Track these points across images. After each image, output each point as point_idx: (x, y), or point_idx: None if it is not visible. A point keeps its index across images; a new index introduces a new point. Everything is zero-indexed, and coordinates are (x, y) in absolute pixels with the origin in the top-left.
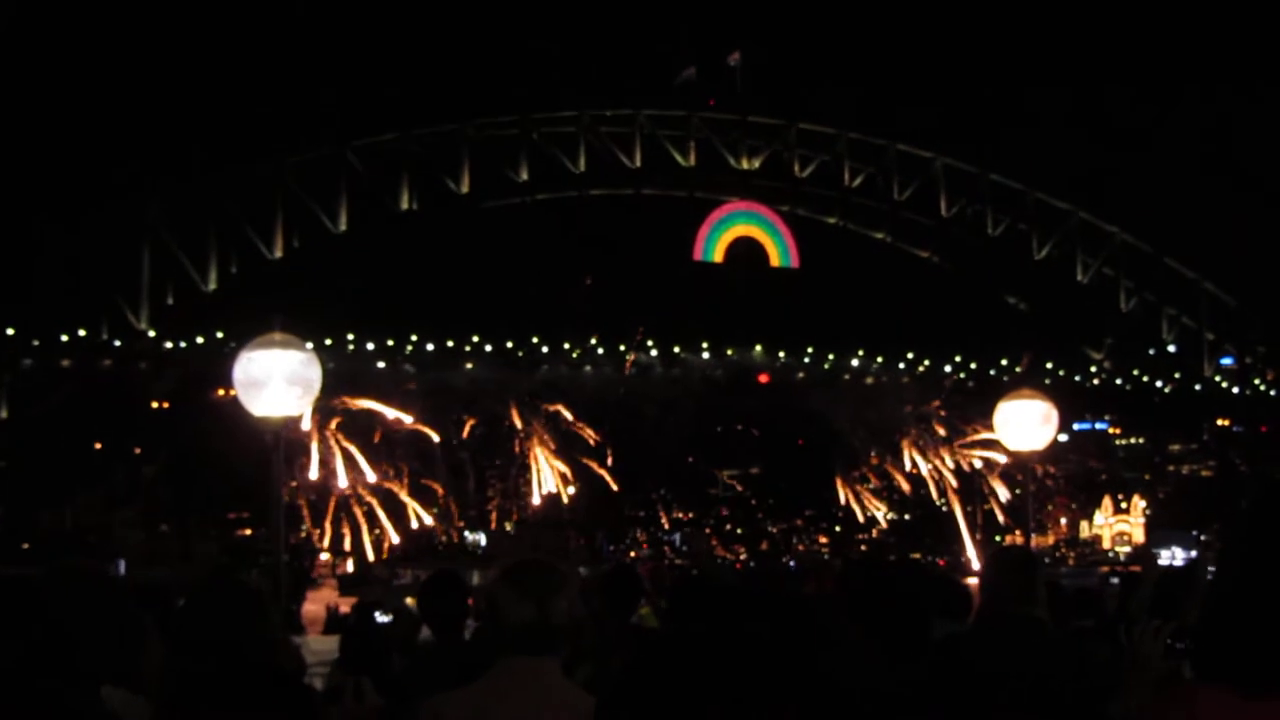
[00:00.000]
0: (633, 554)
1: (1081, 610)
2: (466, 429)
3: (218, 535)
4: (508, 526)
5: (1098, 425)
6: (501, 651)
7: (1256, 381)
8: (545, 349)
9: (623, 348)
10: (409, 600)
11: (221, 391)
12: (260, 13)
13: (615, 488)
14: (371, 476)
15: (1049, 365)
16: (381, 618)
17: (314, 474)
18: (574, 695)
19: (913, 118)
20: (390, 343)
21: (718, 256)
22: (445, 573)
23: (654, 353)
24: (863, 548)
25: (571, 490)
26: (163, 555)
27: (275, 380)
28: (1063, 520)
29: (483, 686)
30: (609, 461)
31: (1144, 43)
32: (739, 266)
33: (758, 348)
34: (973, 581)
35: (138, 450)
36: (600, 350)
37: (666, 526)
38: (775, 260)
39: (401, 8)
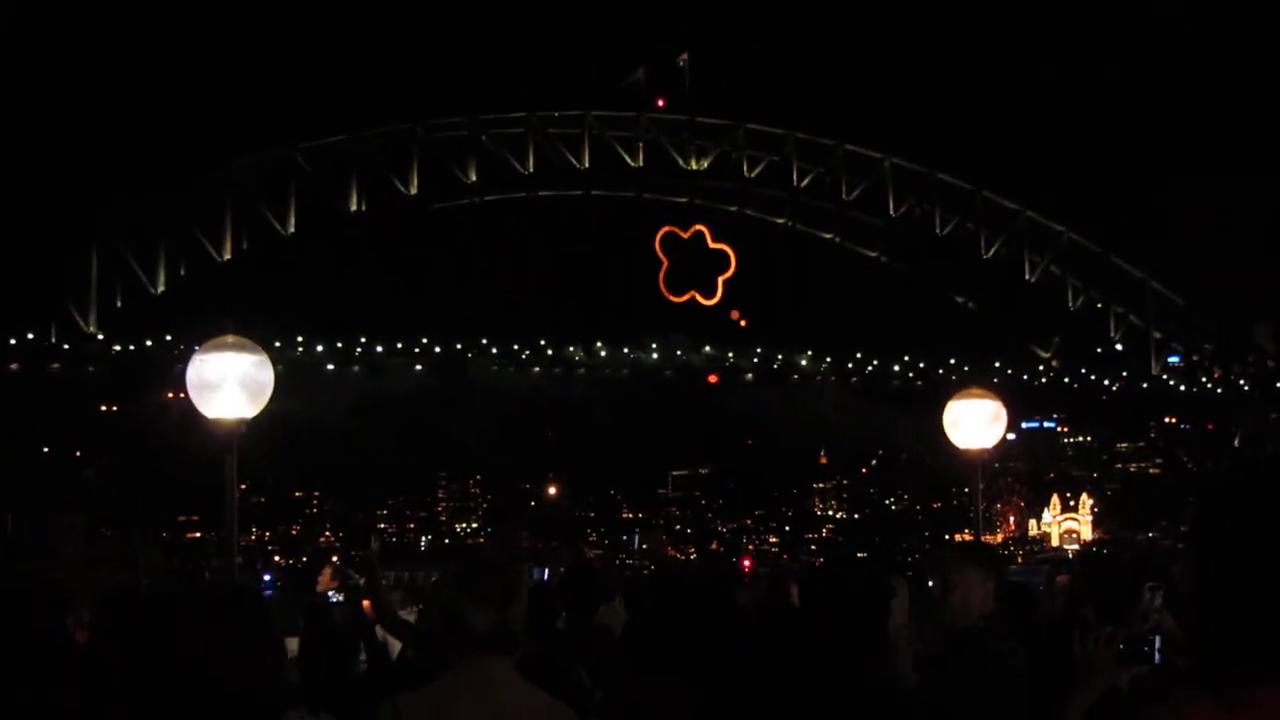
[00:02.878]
0: (590, 554)
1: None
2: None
3: (165, 540)
4: (458, 529)
5: (1046, 424)
6: (460, 652)
7: (1203, 379)
8: (494, 350)
9: (571, 349)
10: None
11: (171, 394)
12: (209, 16)
13: (566, 488)
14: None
15: (997, 364)
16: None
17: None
18: (531, 694)
19: (861, 117)
20: (339, 345)
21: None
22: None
23: (603, 353)
24: (813, 547)
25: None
26: (104, 561)
27: (228, 383)
28: (1011, 518)
29: (444, 686)
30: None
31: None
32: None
33: (706, 348)
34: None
35: (78, 454)
36: (550, 351)
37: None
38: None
39: (350, 10)
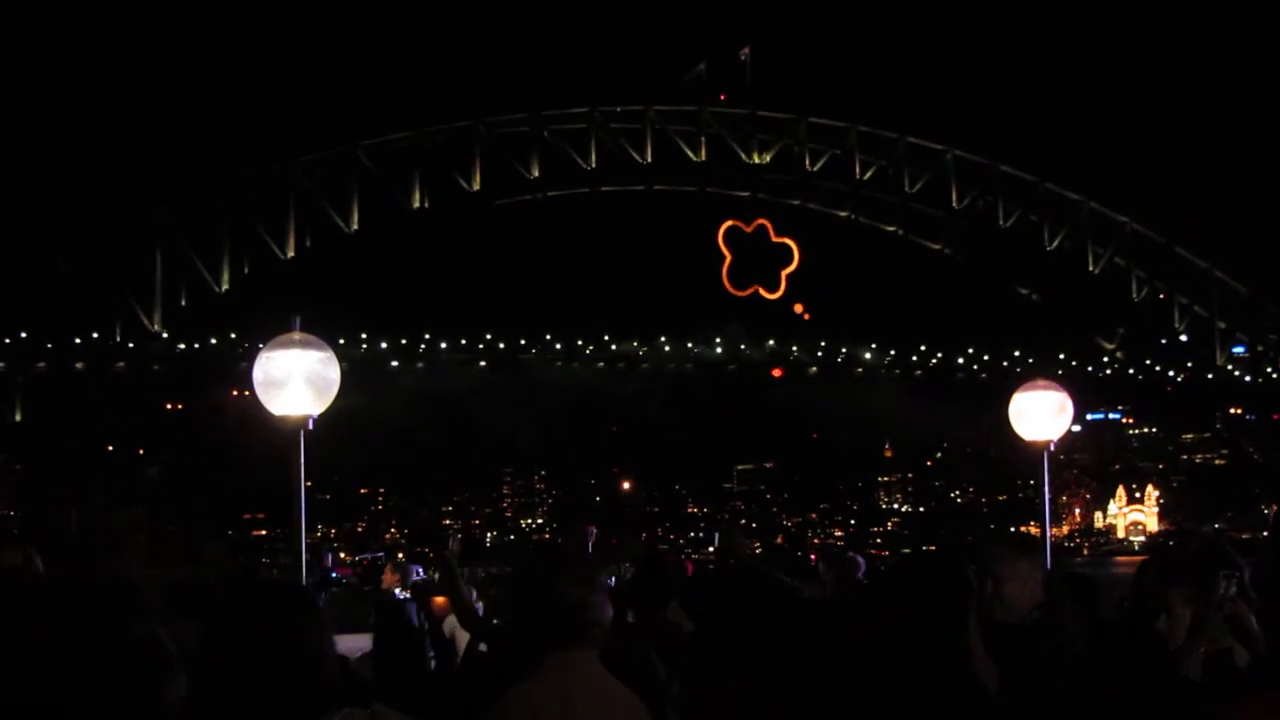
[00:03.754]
0: (660, 549)
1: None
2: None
3: (229, 536)
4: (523, 524)
5: (1111, 415)
6: (551, 643)
7: (1268, 369)
8: (557, 345)
9: (634, 344)
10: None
11: (235, 392)
12: (273, 14)
13: (632, 483)
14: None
15: (1061, 356)
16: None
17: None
18: (613, 683)
19: (923, 110)
20: (403, 342)
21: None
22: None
23: (666, 348)
24: (878, 540)
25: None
26: (166, 557)
27: (295, 380)
28: (1077, 510)
29: (552, 675)
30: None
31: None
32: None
33: (769, 342)
34: None
35: (140, 451)
36: (613, 346)
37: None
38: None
39: (413, 8)
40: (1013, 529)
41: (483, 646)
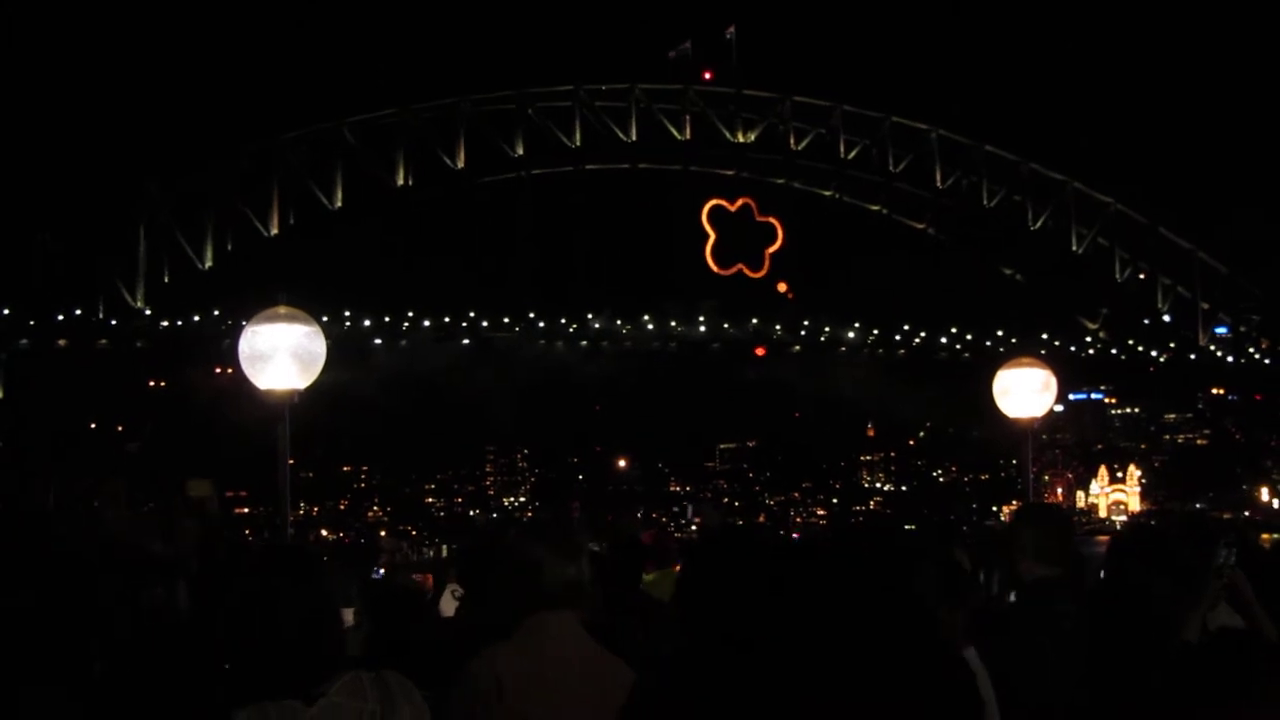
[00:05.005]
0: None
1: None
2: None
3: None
4: (506, 502)
5: (1093, 395)
6: (532, 607)
7: (1251, 350)
8: (541, 324)
9: (618, 322)
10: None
11: (218, 369)
12: None
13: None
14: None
15: (1044, 336)
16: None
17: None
18: (599, 650)
19: (908, 90)
20: (386, 319)
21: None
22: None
23: (650, 326)
24: (861, 519)
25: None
26: (144, 532)
27: (280, 354)
28: (1059, 490)
29: (528, 640)
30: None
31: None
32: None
33: (753, 320)
34: None
35: (120, 428)
36: (596, 325)
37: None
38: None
39: None
40: (995, 508)
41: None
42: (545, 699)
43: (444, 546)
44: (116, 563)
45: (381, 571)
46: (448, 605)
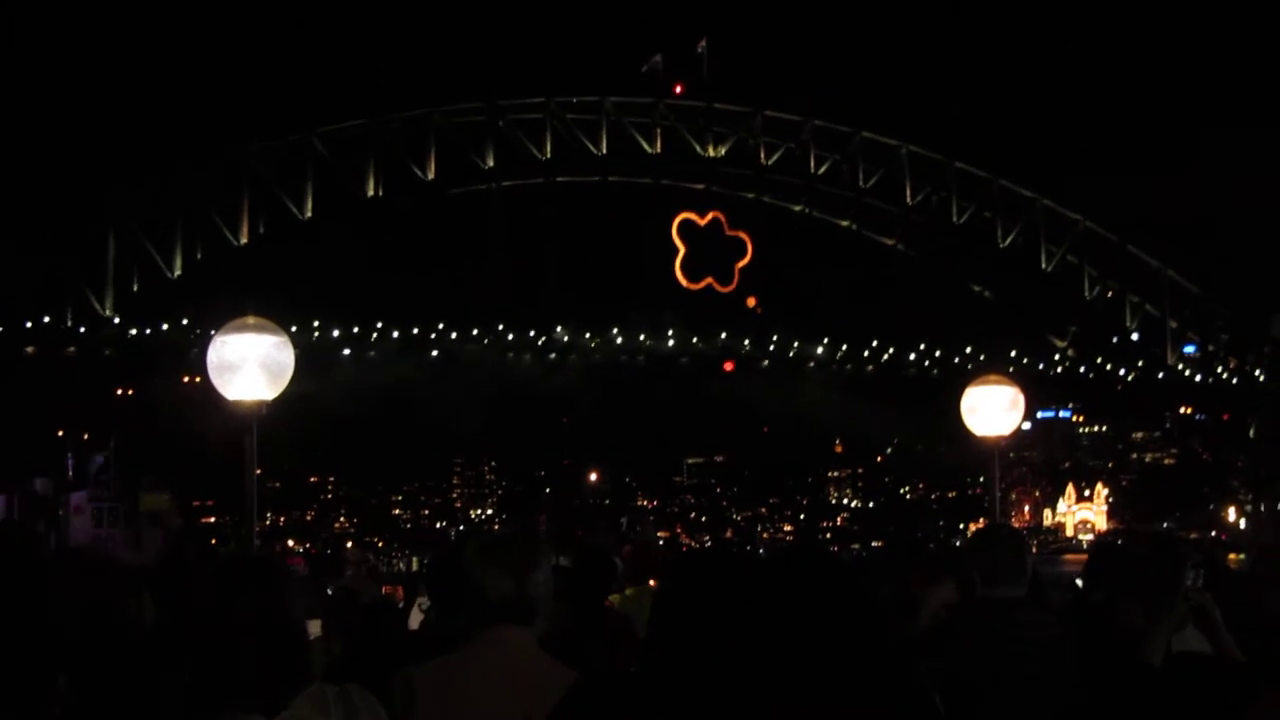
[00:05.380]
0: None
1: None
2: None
3: (181, 524)
4: (473, 515)
5: (1061, 413)
6: (478, 622)
7: (1219, 370)
8: (510, 336)
9: (586, 335)
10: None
11: (186, 378)
12: (226, 2)
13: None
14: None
15: (1013, 353)
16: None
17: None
18: (548, 664)
19: (878, 105)
20: (355, 330)
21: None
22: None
23: (619, 340)
24: (828, 535)
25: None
26: (108, 541)
27: (249, 364)
28: (1026, 508)
29: (458, 655)
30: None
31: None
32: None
33: (722, 335)
34: None
35: (85, 436)
36: (565, 338)
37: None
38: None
39: None
40: (962, 526)
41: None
42: (464, 711)
43: (414, 559)
44: (86, 572)
45: (349, 580)
46: (415, 618)
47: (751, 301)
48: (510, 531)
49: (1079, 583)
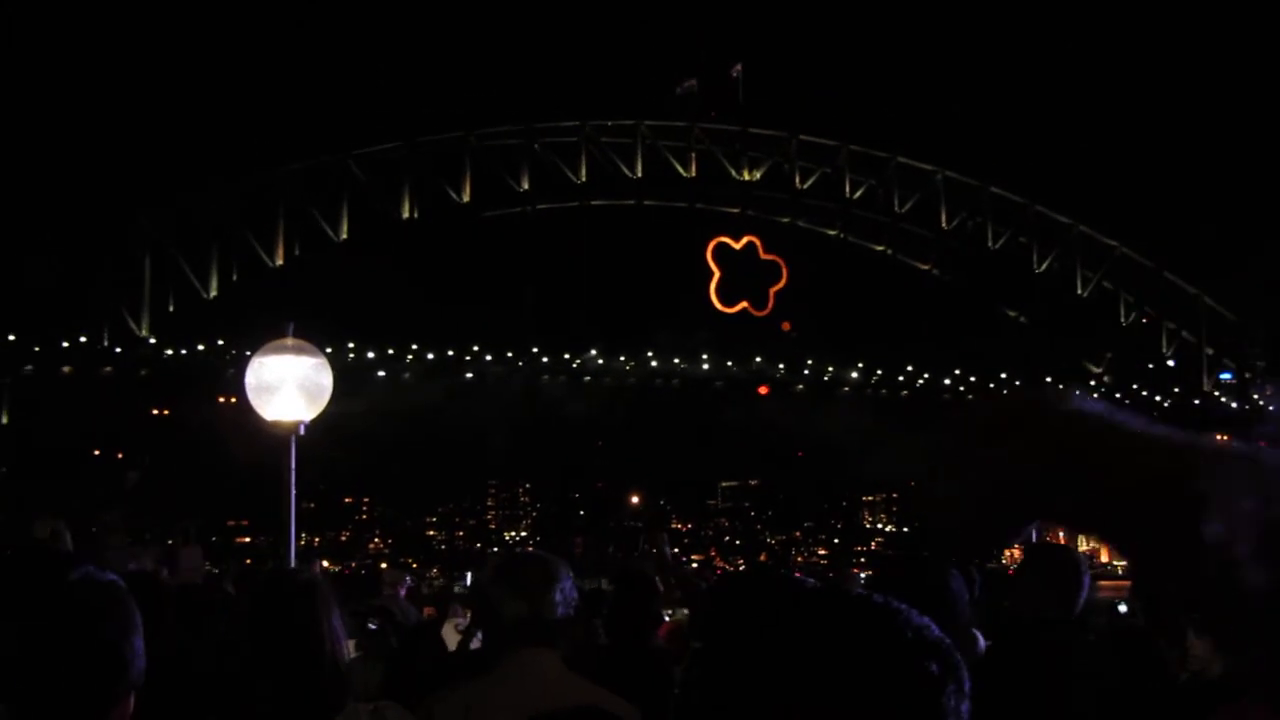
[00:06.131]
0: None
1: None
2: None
3: (213, 542)
4: (507, 536)
5: None
6: (500, 645)
7: (1255, 396)
8: (545, 359)
9: (621, 358)
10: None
11: (222, 398)
12: (264, 22)
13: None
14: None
15: (1048, 379)
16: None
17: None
18: (577, 685)
19: (914, 130)
20: (390, 352)
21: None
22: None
23: (654, 364)
24: (862, 560)
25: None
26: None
27: (288, 385)
28: (1061, 534)
29: (480, 682)
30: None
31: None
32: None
33: (756, 359)
34: None
35: (119, 455)
36: (600, 361)
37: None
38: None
39: (405, 19)
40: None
41: (475, 644)
42: None
43: (440, 578)
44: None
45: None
46: (450, 638)
47: (786, 326)
48: (524, 552)
49: (1121, 608)
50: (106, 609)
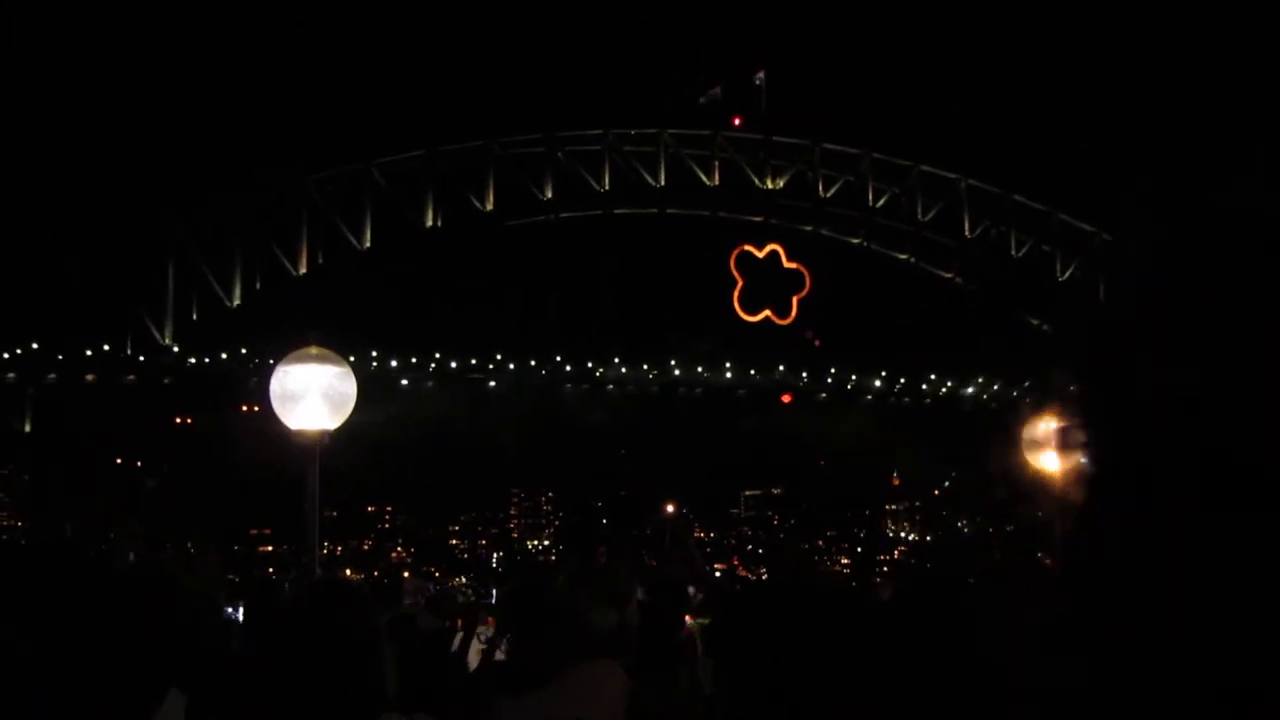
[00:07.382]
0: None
1: None
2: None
3: (234, 551)
4: (530, 545)
5: None
6: (572, 657)
7: None
8: (567, 367)
9: (644, 366)
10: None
11: (245, 407)
12: (287, 29)
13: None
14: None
15: (1071, 387)
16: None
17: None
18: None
19: (937, 138)
20: (414, 360)
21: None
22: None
23: (676, 372)
24: (884, 569)
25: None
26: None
27: (312, 394)
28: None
29: (554, 690)
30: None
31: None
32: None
33: (780, 367)
34: None
35: (139, 464)
36: (623, 369)
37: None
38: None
39: (428, 27)
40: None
41: (499, 656)
42: None
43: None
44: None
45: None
46: (475, 650)
47: (809, 334)
48: (605, 563)
49: None
50: (155, 609)
